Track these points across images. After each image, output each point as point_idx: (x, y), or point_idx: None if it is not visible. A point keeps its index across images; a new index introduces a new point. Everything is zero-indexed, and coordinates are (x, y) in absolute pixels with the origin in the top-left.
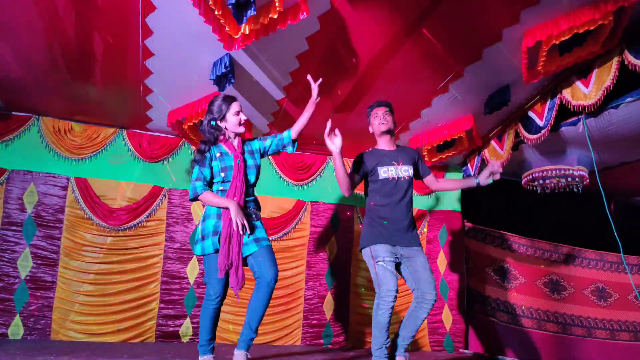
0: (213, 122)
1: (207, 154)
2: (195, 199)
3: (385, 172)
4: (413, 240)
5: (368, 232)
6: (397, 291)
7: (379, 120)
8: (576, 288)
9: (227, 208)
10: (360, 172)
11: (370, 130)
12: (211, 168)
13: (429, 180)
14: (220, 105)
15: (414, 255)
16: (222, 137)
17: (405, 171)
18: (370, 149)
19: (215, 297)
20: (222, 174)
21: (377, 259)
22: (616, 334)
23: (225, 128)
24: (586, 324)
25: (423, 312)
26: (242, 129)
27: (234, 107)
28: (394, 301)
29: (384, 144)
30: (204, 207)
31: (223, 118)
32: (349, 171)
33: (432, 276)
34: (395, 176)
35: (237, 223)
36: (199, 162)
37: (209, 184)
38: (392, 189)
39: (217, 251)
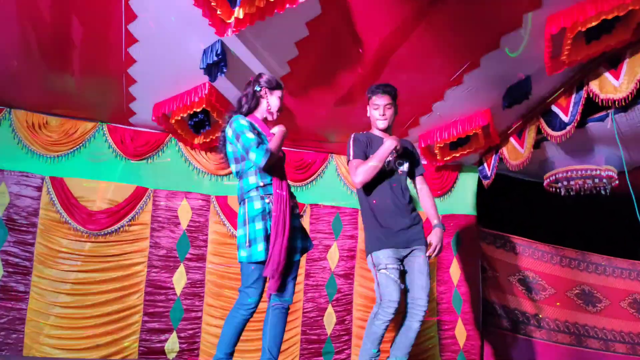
0: (258, 88)
1: (249, 124)
2: (269, 160)
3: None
4: (415, 238)
5: (367, 235)
6: (399, 303)
7: (378, 115)
8: (612, 300)
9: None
10: (364, 157)
11: (368, 113)
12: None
13: (418, 180)
14: (273, 80)
15: (413, 256)
16: (251, 115)
17: (400, 164)
18: (365, 132)
19: (254, 305)
20: None
21: (379, 266)
22: None
23: (267, 104)
24: (629, 339)
25: (414, 321)
26: (275, 116)
27: (281, 92)
28: (395, 314)
29: (380, 134)
30: (243, 204)
31: (272, 90)
32: (347, 159)
33: (427, 281)
34: (391, 168)
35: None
36: (249, 127)
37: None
38: (388, 183)
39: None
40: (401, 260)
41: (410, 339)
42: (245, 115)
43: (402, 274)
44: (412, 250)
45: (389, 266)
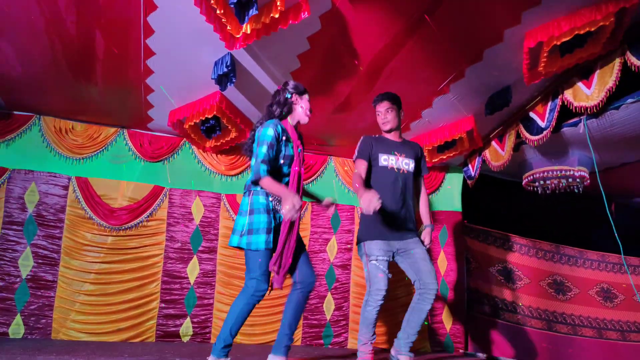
0: (289, 95)
1: (279, 132)
2: (256, 182)
3: (385, 159)
4: (409, 232)
5: (363, 226)
6: (387, 291)
7: (381, 120)
8: (581, 289)
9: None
10: (367, 156)
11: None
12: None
13: (419, 181)
14: (300, 85)
15: (411, 248)
16: (285, 120)
17: (406, 164)
18: (377, 135)
19: (263, 291)
20: (282, 161)
21: (370, 257)
22: (627, 335)
23: (302, 107)
24: (595, 324)
25: (427, 304)
26: (306, 119)
27: (307, 95)
28: (383, 300)
29: (389, 135)
30: (248, 195)
31: (301, 95)
32: (354, 157)
33: (432, 266)
34: (395, 167)
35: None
36: (272, 140)
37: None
38: (390, 180)
39: (268, 249)
40: (393, 253)
41: (422, 318)
42: (281, 118)
43: (392, 265)
44: (407, 243)
45: (379, 257)
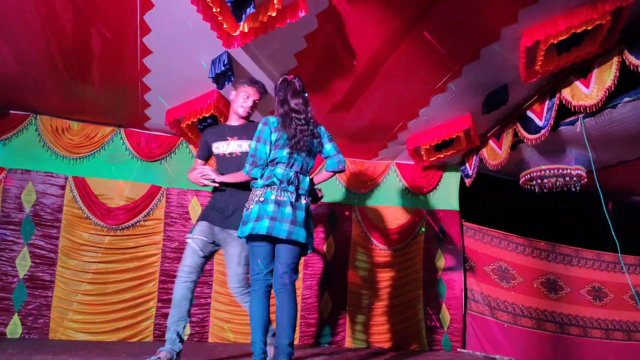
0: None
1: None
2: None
3: (217, 148)
4: (231, 225)
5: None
6: (192, 267)
7: (247, 104)
8: (573, 288)
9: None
10: (204, 152)
11: (231, 97)
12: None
13: None
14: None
15: (229, 244)
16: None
17: (238, 146)
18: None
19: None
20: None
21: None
22: (611, 334)
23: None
24: (582, 323)
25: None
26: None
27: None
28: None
29: (234, 119)
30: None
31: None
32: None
33: (245, 270)
34: (227, 153)
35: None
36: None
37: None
38: (224, 168)
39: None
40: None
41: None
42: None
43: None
44: (227, 237)
45: (195, 236)
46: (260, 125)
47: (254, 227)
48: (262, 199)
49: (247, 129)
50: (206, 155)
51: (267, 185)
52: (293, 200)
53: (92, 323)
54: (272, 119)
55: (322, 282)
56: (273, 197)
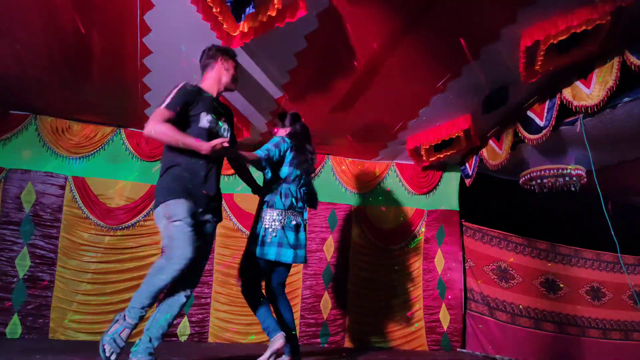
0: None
1: None
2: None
3: (209, 121)
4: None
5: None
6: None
7: (233, 76)
8: (571, 288)
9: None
10: (180, 106)
11: (211, 72)
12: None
13: None
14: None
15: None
16: None
17: (225, 130)
18: (195, 85)
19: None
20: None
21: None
22: (608, 333)
23: None
24: (580, 323)
25: None
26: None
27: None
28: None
29: (215, 91)
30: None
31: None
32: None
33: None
34: (218, 133)
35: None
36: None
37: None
38: None
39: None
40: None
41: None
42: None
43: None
44: None
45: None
46: (279, 138)
47: (278, 254)
48: (284, 223)
49: (228, 114)
50: (182, 114)
51: (287, 209)
52: (305, 218)
53: (92, 323)
54: (287, 140)
55: (322, 282)
56: (293, 222)
